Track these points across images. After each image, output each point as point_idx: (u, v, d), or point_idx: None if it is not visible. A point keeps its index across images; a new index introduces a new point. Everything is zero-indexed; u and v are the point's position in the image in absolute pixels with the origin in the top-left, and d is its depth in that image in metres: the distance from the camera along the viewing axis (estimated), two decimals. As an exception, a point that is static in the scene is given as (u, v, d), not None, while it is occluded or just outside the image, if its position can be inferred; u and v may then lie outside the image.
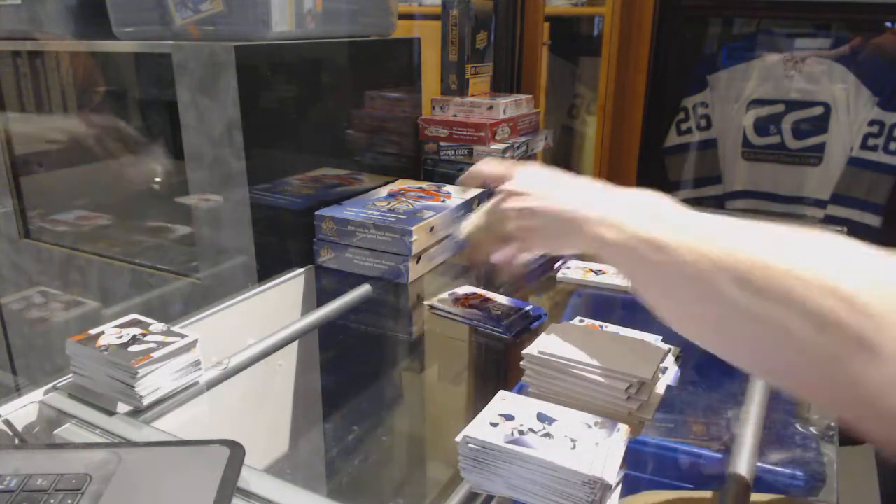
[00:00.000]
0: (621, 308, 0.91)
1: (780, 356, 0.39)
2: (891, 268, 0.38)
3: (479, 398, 0.53)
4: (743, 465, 0.52)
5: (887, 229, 1.52)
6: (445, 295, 0.86)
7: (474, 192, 1.07)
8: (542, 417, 0.50)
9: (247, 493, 0.48)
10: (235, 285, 0.91)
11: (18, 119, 1.18)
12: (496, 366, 0.83)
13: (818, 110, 1.57)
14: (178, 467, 0.47)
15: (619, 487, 0.47)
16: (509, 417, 0.50)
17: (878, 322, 0.35)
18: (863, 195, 1.54)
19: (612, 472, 0.44)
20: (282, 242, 0.95)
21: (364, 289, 0.89)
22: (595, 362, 0.54)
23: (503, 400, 0.52)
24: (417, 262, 0.93)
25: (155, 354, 0.59)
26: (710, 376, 0.73)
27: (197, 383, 0.63)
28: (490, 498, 0.49)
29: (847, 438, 0.64)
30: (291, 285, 0.94)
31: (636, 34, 1.60)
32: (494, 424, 0.49)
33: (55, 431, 0.57)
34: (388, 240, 0.91)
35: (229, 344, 0.72)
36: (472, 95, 1.23)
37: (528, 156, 1.25)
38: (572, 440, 0.47)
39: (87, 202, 1.18)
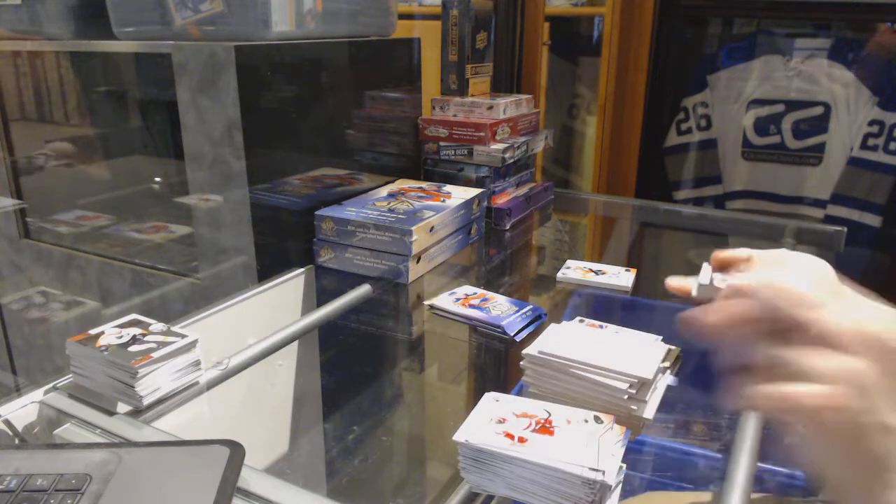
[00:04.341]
0: (621, 308, 0.91)
1: None
2: None
3: (479, 398, 0.53)
4: (743, 465, 0.52)
5: (887, 229, 1.52)
6: (445, 295, 0.86)
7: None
8: (541, 417, 0.50)
9: (247, 493, 0.48)
10: (235, 285, 0.91)
11: (18, 119, 1.18)
12: (496, 366, 0.83)
13: (818, 110, 1.57)
14: (178, 467, 0.47)
15: (619, 487, 0.47)
16: (507, 418, 0.50)
17: None
18: (863, 195, 1.54)
19: (612, 472, 0.44)
20: (282, 242, 0.95)
21: (364, 289, 0.89)
22: (595, 362, 0.54)
23: (496, 401, 0.52)
24: (417, 262, 0.93)
25: (155, 354, 0.59)
26: (710, 376, 0.73)
27: (197, 383, 0.64)
28: (490, 498, 0.49)
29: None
30: (291, 285, 0.94)
31: (636, 34, 1.60)
32: (493, 425, 0.49)
33: (55, 431, 0.57)
34: (388, 240, 0.91)
35: (229, 344, 0.72)
36: (472, 95, 1.23)
37: (528, 156, 1.25)
38: (572, 440, 0.47)
39: (88, 202, 1.18)
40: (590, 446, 0.46)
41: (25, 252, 1.19)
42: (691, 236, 1.28)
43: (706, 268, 0.58)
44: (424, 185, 1.13)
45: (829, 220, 1.57)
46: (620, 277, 0.92)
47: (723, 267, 0.53)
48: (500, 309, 0.82)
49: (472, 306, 0.83)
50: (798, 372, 0.39)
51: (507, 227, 1.16)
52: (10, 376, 1.29)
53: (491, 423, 0.49)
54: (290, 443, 0.92)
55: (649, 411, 0.53)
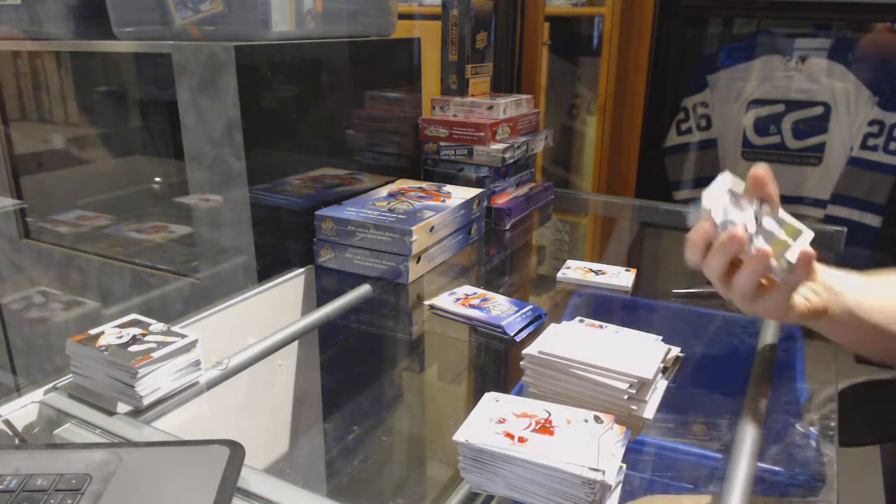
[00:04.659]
0: (621, 308, 0.91)
1: None
2: None
3: (479, 398, 0.53)
4: (743, 465, 0.52)
5: (887, 229, 1.52)
6: (445, 295, 0.86)
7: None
8: (541, 417, 0.50)
9: (247, 493, 0.48)
10: (235, 285, 0.91)
11: (18, 119, 1.18)
12: (496, 366, 0.83)
13: (818, 110, 1.57)
14: (178, 467, 0.47)
15: (619, 487, 0.47)
16: (507, 418, 0.50)
17: None
18: (863, 195, 1.54)
19: (612, 472, 0.44)
20: (282, 242, 0.95)
21: (364, 289, 0.89)
22: (595, 362, 0.54)
23: (496, 401, 0.52)
24: (417, 262, 0.93)
25: (155, 354, 0.59)
26: (710, 376, 0.73)
27: (197, 383, 0.64)
28: (490, 498, 0.49)
29: (847, 439, 0.64)
30: (291, 285, 0.94)
31: (636, 34, 1.60)
32: (493, 425, 0.49)
33: (55, 431, 0.57)
34: (388, 240, 0.91)
35: (229, 344, 0.72)
36: (472, 95, 1.23)
37: (528, 156, 1.25)
38: (572, 440, 0.47)
39: (88, 202, 1.18)
40: (590, 446, 0.46)
41: (25, 252, 1.19)
42: (691, 236, 1.28)
43: (720, 184, 0.55)
44: (424, 185, 1.13)
45: (829, 220, 1.57)
46: (620, 277, 0.92)
47: (756, 187, 0.56)
48: (500, 309, 0.82)
49: (472, 306, 0.83)
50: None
51: (507, 227, 1.16)
52: (10, 376, 1.29)
53: (491, 423, 0.49)
54: (290, 443, 0.92)
55: (649, 411, 0.53)
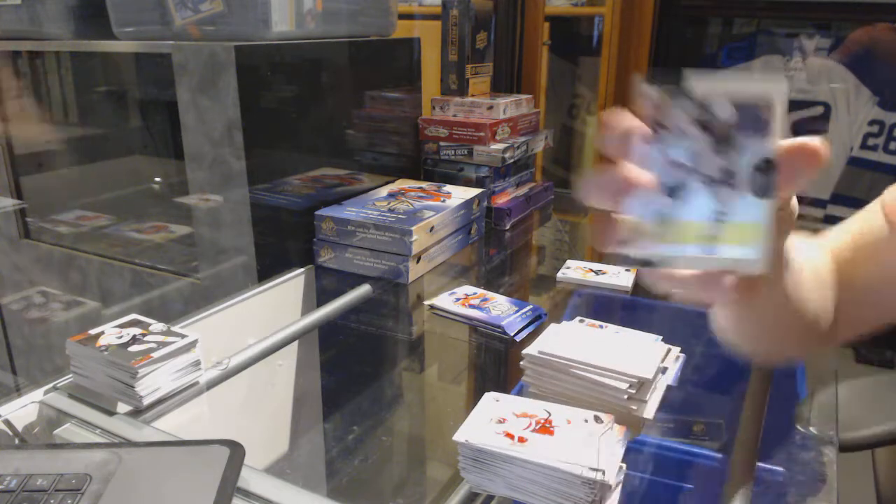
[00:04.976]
0: (621, 308, 0.91)
1: None
2: None
3: (479, 398, 0.53)
4: (743, 465, 0.52)
5: (887, 229, 1.52)
6: (445, 295, 0.86)
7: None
8: (541, 417, 0.50)
9: (247, 493, 0.48)
10: (235, 285, 0.91)
11: (18, 119, 1.18)
12: (496, 366, 0.83)
13: (818, 110, 1.57)
14: (178, 467, 0.47)
15: (619, 487, 0.47)
16: (507, 418, 0.50)
17: None
18: (863, 195, 1.54)
19: (612, 472, 0.44)
20: (282, 242, 0.95)
21: (364, 289, 0.89)
22: (595, 362, 0.54)
23: (496, 401, 0.52)
24: (417, 262, 0.93)
25: (155, 354, 0.59)
26: (710, 376, 0.73)
27: (197, 383, 0.64)
28: (490, 498, 0.49)
29: (846, 444, 0.64)
30: (291, 285, 0.94)
31: (636, 34, 1.60)
32: (493, 425, 0.49)
33: (55, 431, 0.57)
34: (388, 240, 0.91)
35: (229, 344, 0.72)
36: (472, 95, 1.23)
37: (528, 156, 1.25)
38: (572, 440, 0.47)
39: (88, 202, 1.18)
40: (590, 446, 0.46)
41: (25, 252, 1.19)
42: (691, 236, 1.28)
43: (751, 89, 0.31)
44: (424, 185, 1.13)
45: (829, 220, 1.57)
46: (620, 277, 0.92)
47: (792, 161, 0.32)
48: (500, 309, 0.82)
49: (472, 306, 0.83)
50: None
51: (507, 227, 1.16)
52: (10, 376, 1.29)
53: (491, 423, 0.49)
54: (290, 443, 0.92)
55: (649, 411, 0.53)
